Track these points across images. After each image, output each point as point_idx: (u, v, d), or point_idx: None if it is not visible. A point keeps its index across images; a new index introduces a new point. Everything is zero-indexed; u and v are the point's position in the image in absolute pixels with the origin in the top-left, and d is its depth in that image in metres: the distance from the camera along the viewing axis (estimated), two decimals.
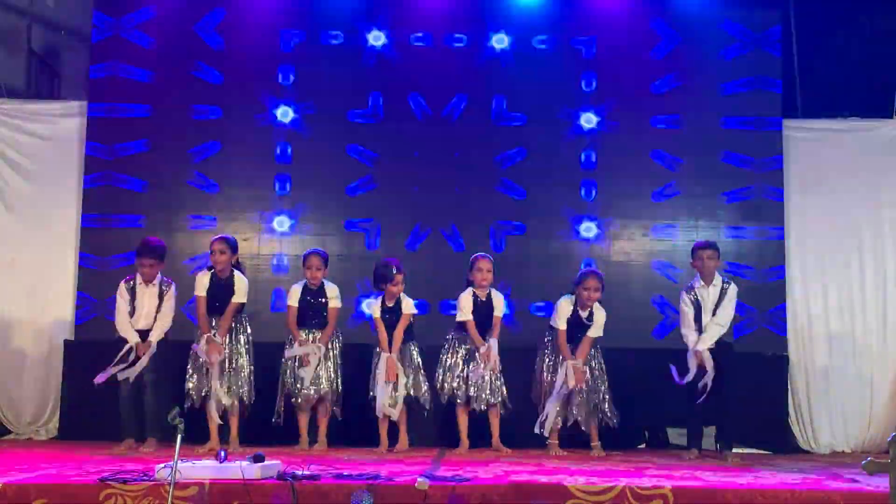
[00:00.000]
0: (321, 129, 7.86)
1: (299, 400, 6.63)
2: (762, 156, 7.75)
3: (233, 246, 6.72)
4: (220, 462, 4.67)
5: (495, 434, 6.68)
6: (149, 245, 6.68)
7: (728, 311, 6.62)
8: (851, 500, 4.50)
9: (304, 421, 6.72)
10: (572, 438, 6.70)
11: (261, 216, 7.79)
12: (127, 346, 6.54)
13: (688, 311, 6.64)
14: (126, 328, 6.62)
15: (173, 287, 6.74)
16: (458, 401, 6.65)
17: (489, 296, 6.76)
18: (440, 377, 6.69)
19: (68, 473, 4.92)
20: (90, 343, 7.45)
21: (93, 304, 7.59)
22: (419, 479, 4.56)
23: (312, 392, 6.59)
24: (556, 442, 6.61)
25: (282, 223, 7.77)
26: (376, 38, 7.94)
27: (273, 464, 4.77)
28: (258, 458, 4.70)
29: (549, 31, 7.94)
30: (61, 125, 7.93)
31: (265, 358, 6.87)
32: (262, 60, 7.91)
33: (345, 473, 4.84)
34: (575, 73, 7.91)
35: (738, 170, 7.75)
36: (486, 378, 6.60)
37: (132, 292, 6.68)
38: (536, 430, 6.59)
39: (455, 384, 6.64)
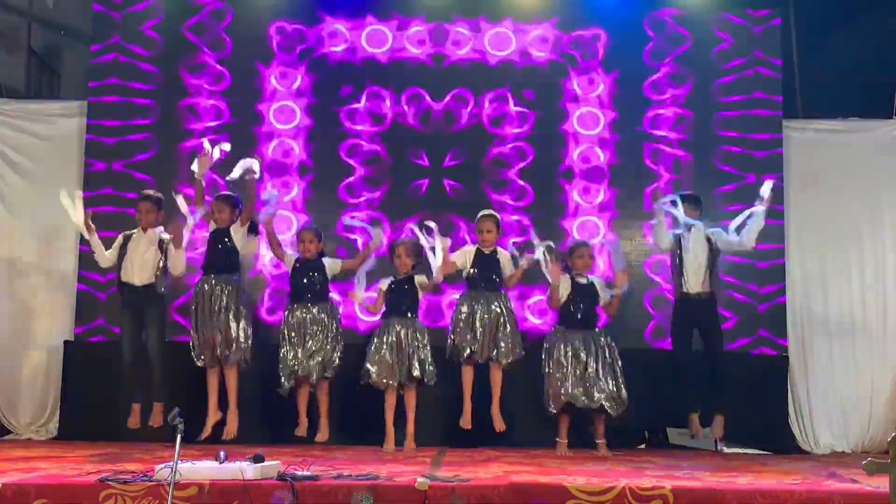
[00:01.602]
0: (321, 128, 7.87)
1: (298, 375, 6.63)
2: (762, 156, 7.75)
3: (232, 203, 6.78)
4: (220, 462, 4.67)
5: (495, 398, 6.64)
6: (145, 191, 6.90)
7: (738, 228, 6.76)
8: (851, 500, 4.49)
9: (303, 401, 6.70)
10: (574, 438, 6.70)
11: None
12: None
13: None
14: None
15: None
16: (464, 356, 6.64)
17: (494, 252, 6.85)
18: (452, 333, 6.71)
19: (68, 473, 4.91)
20: (90, 343, 7.46)
21: (93, 304, 7.58)
22: (419, 479, 4.56)
23: (314, 375, 6.60)
24: (565, 442, 6.61)
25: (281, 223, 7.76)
26: (376, 38, 7.95)
27: (273, 464, 4.77)
28: (258, 459, 4.70)
29: (549, 31, 7.95)
30: (61, 125, 7.93)
31: (261, 358, 6.86)
32: (262, 60, 7.91)
33: (345, 473, 4.84)
34: (575, 72, 7.92)
35: (737, 170, 7.75)
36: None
37: (126, 239, 6.74)
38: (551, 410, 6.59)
39: (465, 338, 6.62)
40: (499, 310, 6.69)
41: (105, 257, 6.77)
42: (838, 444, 7.54)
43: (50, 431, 7.55)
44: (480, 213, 6.97)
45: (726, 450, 7.11)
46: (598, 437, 6.64)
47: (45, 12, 8.74)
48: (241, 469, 4.57)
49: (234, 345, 6.55)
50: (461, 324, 6.69)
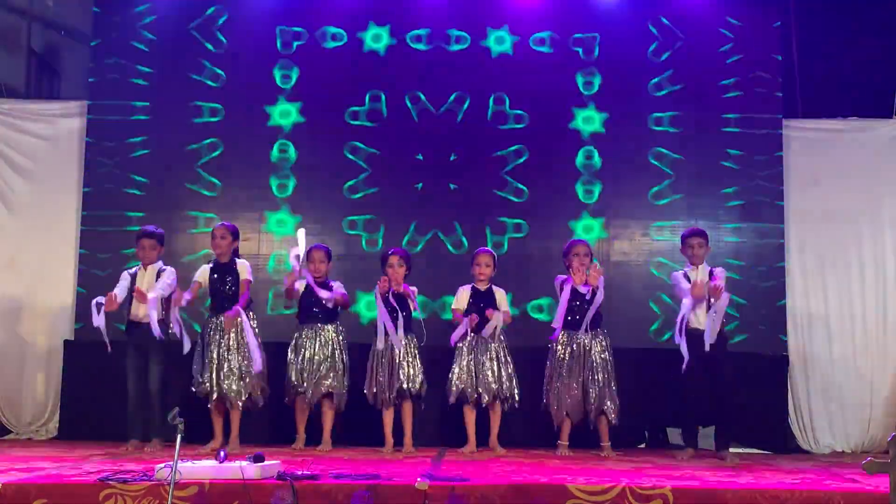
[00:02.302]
0: (321, 128, 7.88)
1: (296, 397, 6.60)
2: (762, 156, 7.75)
3: (233, 232, 6.72)
4: (220, 462, 4.67)
5: (493, 432, 6.65)
6: (147, 228, 6.76)
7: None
8: (851, 500, 4.49)
9: (302, 419, 6.68)
10: (576, 438, 6.69)
11: (261, 216, 7.79)
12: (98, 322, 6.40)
13: (685, 285, 6.56)
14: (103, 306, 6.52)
15: (171, 269, 6.68)
16: (467, 400, 6.59)
17: (490, 290, 6.76)
18: (452, 375, 6.62)
19: (68, 473, 4.91)
20: (90, 343, 7.44)
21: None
22: (419, 480, 4.56)
23: (311, 392, 6.55)
24: (567, 443, 6.59)
25: (282, 223, 7.78)
26: (376, 38, 7.96)
27: (273, 464, 4.77)
28: (258, 458, 4.70)
29: (549, 31, 7.96)
30: (61, 125, 7.94)
31: (264, 358, 6.84)
32: (262, 60, 7.93)
33: (345, 473, 4.84)
34: (575, 72, 7.92)
35: (737, 170, 7.76)
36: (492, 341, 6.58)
37: (133, 277, 6.63)
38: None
39: (465, 381, 6.56)
40: (496, 353, 6.62)
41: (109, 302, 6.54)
42: (838, 444, 7.54)
43: (50, 431, 7.56)
44: (478, 249, 6.90)
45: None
46: (604, 440, 6.60)
47: (45, 12, 8.74)
48: (241, 469, 4.57)
49: (242, 382, 6.47)
50: (460, 368, 6.60)
